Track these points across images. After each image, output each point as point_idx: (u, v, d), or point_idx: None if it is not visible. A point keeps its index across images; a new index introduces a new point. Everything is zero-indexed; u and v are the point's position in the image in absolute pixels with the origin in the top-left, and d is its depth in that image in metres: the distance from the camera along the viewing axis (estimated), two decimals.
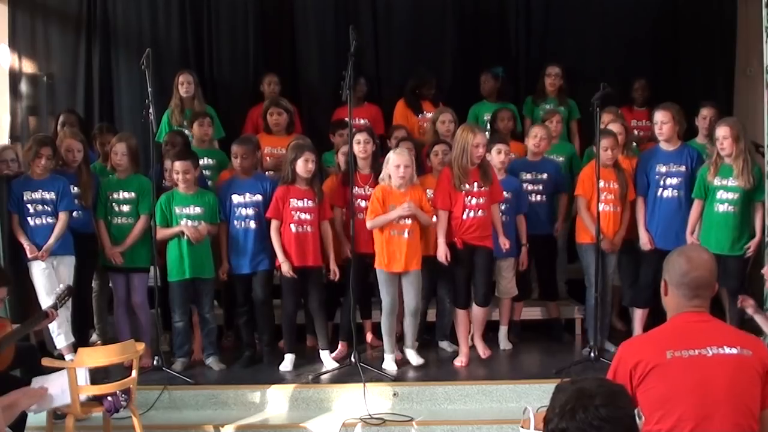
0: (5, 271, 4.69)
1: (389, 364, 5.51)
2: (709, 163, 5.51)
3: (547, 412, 2.08)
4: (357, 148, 5.59)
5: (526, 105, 7.08)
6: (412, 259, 5.42)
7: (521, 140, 6.36)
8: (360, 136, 5.63)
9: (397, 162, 5.35)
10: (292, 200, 5.50)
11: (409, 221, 5.39)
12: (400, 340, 5.78)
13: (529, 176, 6.07)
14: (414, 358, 5.61)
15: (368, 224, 5.44)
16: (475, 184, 5.48)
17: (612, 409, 2.01)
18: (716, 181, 5.44)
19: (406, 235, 5.39)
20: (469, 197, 5.47)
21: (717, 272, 2.83)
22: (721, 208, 5.44)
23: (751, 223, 5.49)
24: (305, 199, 5.52)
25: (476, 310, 5.71)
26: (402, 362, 5.61)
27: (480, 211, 5.49)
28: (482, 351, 5.76)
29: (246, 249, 5.66)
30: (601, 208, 5.62)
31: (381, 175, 5.48)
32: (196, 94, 6.65)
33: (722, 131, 5.41)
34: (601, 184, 5.64)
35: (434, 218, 5.49)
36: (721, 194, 5.44)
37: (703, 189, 5.51)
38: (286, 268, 5.51)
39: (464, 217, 5.48)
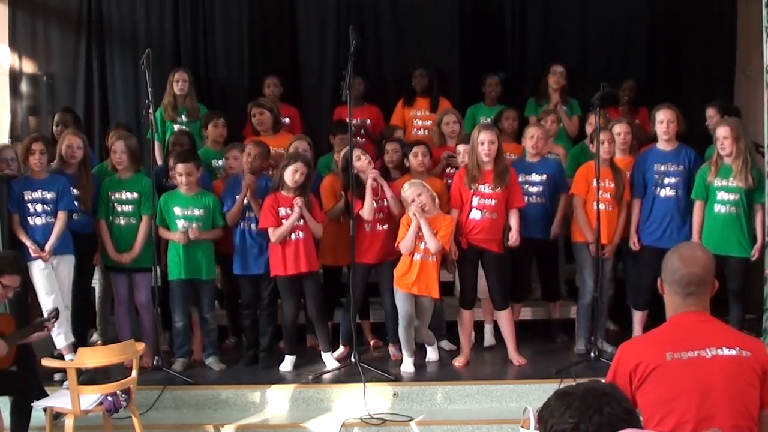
0: (19, 258, 4.70)
1: (408, 367, 5.52)
2: (709, 163, 5.51)
3: (555, 419, 2.02)
4: (357, 163, 5.53)
5: (528, 106, 7.05)
6: (428, 286, 5.40)
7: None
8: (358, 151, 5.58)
9: (410, 197, 5.36)
10: (281, 209, 5.48)
11: (423, 245, 5.35)
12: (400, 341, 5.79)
13: (528, 177, 5.92)
14: (431, 353, 5.67)
15: (401, 250, 5.42)
16: (487, 185, 5.46)
17: (629, 404, 2.05)
18: (716, 182, 5.44)
19: (419, 257, 5.36)
20: (477, 197, 5.46)
21: (714, 270, 2.80)
22: (723, 209, 5.44)
23: (753, 225, 5.49)
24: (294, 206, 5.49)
25: (499, 317, 5.67)
26: (400, 363, 5.61)
27: (488, 213, 5.46)
28: (517, 360, 5.64)
29: (253, 250, 5.67)
30: (593, 207, 5.63)
31: (411, 211, 5.40)
32: (190, 93, 6.65)
33: (723, 131, 5.41)
34: (596, 183, 5.64)
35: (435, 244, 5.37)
36: (721, 195, 5.44)
37: (704, 189, 5.50)
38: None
39: (470, 217, 5.48)
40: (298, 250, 5.47)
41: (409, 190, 5.39)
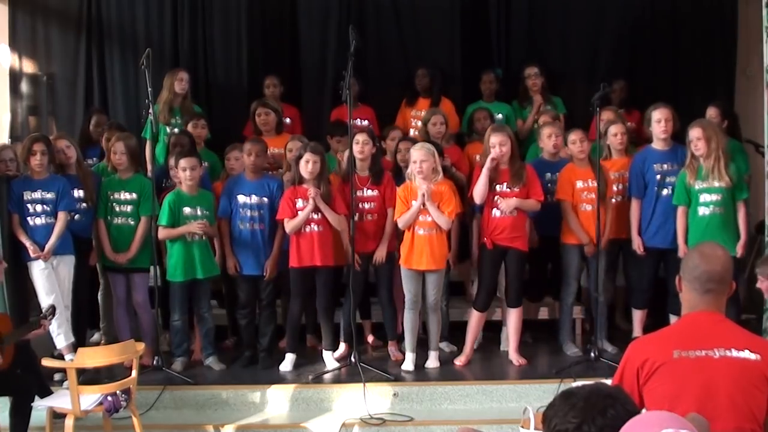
0: None
1: (409, 365, 5.51)
2: (686, 167, 5.46)
3: (558, 418, 2.02)
4: (355, 149, 5.56)
5: (513, 109, 7.05)
6: (436, 258, 5.43)
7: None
8: (360, 137, 5.59)
9: (414, 158, 5.38)
10: (298, 201, 5.49)
11: (429, 218, 5.38)
12: (401, 341, 5.78)
13: (551, 176, 5.87)
14: (433, 360, 5.60)
15: (399, 224, 5.45)
16: (505, 184, 5.47)
17: (634, 407, 2.05)
18: (697, 185, 5.40)
19: (424, 231, 5.39)
20: (498, 198, 5.47)
21: (732, 270, 2.81)
22: (707, 210, 5.40)
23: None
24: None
25: (510, 314, 5.67)
26: (400, 363, 5.61)
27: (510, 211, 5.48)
28: (516, 360, 5.64)
29: (252, 250, 5.66)
30: (582, 209, 5.65)
31: (407, 171, 5.50)
32: (188, 93, 6.64)
33: (695, 132, 5.37)
34: (580, 184, 5.65)
35: (448, 222, 5.43)
36: (704, 197, 5.39)
37: (685, 194, 5.45)
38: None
39: (492, 216, 5.49)
40: (313, 243, 5.45)
41: (417, 151, 5.40)
